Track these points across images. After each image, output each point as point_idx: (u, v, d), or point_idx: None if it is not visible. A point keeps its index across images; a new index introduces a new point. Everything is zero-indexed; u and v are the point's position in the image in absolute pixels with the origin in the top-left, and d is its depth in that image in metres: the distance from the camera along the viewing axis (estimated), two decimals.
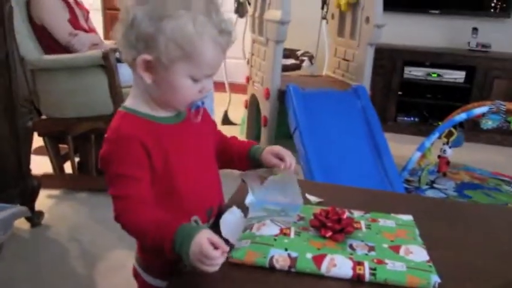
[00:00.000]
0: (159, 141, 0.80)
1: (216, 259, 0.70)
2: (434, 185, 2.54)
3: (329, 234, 0.84)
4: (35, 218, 1.98)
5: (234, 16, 3.33)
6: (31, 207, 1.96)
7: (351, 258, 0.78)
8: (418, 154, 2.43)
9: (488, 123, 2.37)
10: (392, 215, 0.97)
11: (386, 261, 0.78)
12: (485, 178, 2.72)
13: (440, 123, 2.51)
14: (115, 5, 4.48)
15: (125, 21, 0.75)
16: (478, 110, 2.37)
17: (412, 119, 3.72)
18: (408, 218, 0.96)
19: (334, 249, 0.81)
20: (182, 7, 0.73)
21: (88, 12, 2.59)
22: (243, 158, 0.96)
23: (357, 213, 0.96)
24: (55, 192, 2.32)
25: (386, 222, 0.93)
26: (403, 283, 0.74)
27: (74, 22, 2.35)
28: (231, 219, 0.89)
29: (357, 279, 0.75)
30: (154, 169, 0.79)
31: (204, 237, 0.70)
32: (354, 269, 0.76)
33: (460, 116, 2.40)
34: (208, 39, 0.74)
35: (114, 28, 0.78)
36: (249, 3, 3.07)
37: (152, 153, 0.78)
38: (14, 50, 1.79)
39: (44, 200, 2.20)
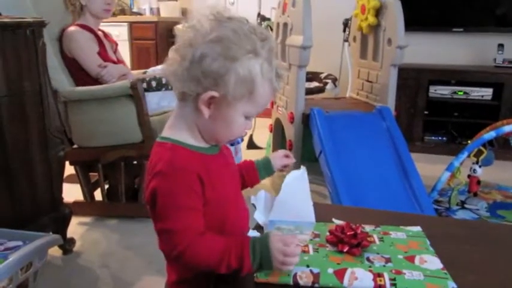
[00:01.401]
0: (208, 171, 0.82)
1: (295, 253, 0.78)
2: (465, 206, 2.49)
3: (346, 249, 0.87)
4: (66, 246, 2.02)
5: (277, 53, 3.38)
6: (63, 234, 2.00)
7: (370, 271, 0.81)
8: (448, 174, 2.39)
9: None
10: (401, 227, 1.01)
11: (404, 271, 0.82)
12: None
13: (469, 141, 2.46)
14: (141, 36, 4.61)
15: (190, 55, 0.77)
16: (508, 128, 2.33)
17: (439, 138, 3.67)
18: (417, 229, 1.00)
19: (353, 263, 0.84)
20: (251, 51, 0.78)
21: (117, 45, 2.68)
22: (251, 171, 1.03)
23: (368, 228, 0.99)
24: (86, 219, 2.37)
25: (397, 234, 0.97)
26: None
27: (103, 54, 2.44)
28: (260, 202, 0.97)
29: None
30: (206, 199, 0.82)
31: (276, 239, 0.78)
32: (374, 280, 0.79)
33: (489, 134, 2.36)
34: (268, 82, 0.81)
35: (168, 59, 0.81)
36: (272, 29, 3.12)
37: (205, 184, 0.81)
38: (47, 83, 1.86)
39: (75, 227, 2.25)
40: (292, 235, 0.88)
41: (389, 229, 1.00)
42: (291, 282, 0.79)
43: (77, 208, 2.34)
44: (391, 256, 0.87)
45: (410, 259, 0.86)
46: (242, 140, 0.95)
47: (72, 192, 2.47)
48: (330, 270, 0.81)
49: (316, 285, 0.79)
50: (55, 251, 2.00)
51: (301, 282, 0.79)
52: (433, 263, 0.86)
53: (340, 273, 0.80)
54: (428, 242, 0.94)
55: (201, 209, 0.81)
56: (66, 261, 1.98)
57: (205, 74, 0.77)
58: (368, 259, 0.86)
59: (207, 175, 0.81)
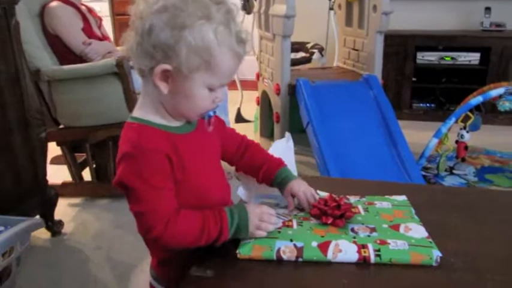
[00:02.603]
0: (178, 152, 0.79)
1: (271, 220, 0.83)
2: (454, 171, 2.51)
3: (330, 220, 0.86)
4: (54, 228, 2.01)
5: (241, 13, 3.32)
6: (50, 216, 2.00)
7: (354, 242, 0.80)
8: (435, 140, 2.40)
9: (505, 105, 2.32)
10: (386, 196, 1.00)
11: (389, 241, 0.81)
12: (506, 161, 2.66)
13: (457, 107, 2.46)
14: (124, 11, 4.51)
15: (140, 29, 0.74)
16: (494, 92, 2.33)
17: (428, 105, 3.67)
18: (402, 198, 0.99)
19: (337, 235, 0.83)
20: (203, 17, 0.72)
21: (101, 20, 2.62)
22: (269, 176, 0.96)
23: (353, 199, 0.99)
24: (75, 200, 2.36)
25: (382, 204, 0.96)
26: (408, 261, 0.77)
27: (88, 30, 2.38)
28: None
29: (363, 261, 0.77)
30: (178, 180, 0.80)
31: (253, 205, 0.84)
32: (359, 252, 0.78)
33: (476, 99, 2.36)
34: (227, 49, 0.74)
35: (124, 35, 0.77)
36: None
37: (174, 164, 0.78)
38: (23, 63, 1.82)
39: (64, 208, 2.24)
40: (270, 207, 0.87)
41: (374, 199, 0.99)
42: (274, 257, 0.79)
43: (65, 189, 2.34)
44: (375, 226, 0.86)
45: (395, 228, 0.86)
46: (214, 112, 0.88)
47: (60, 174, 2.46)
48: (314, 244, 0.80)
49: (300, 259, 0.78)
50: (43, 234, 2.00)
51: (284, 257, 0.78)
52: (418, 231, 0.85)
53: (324, 246, 0.79)
54: (413, 211, 0.93)
55: (173, 188, 0.79)
56: (55, 244, 1.98)
57: (155, 47, 0.73)
58: (353, 230, 0.85)
59: (177, 156, 0.79)
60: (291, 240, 0.81)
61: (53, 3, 2.27)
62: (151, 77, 0.75)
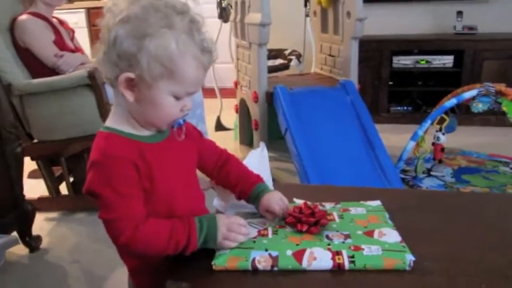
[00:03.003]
0: (144, 160, 0.79)
1: (240, 230, 0.83)
2: (432, 173, 2.54)
3: (305, 228, 0.87)
4: (32, 243, 1.97)
5: (218, 21, 3.33)
6: (28, 232, 1.96)
7: (329, 249, 0.81)
8: (412, 143, 2.43)
9: (479, 107, 2.36)
10: (361, 202, 1.01)
11: (363, 246, 0.82)
12: (482, 161, 2.71)
13: (434, 109, 2.50)
14: None
15: (106, 40, 0.75)
16: (468, 94, 2.37)
17: (405, 108, 3.71)
18: (377, 203, 1.01)
19: (312, 242, 0.83)
20: (164, 26, 0.74)
21: (73, 32, 2.59)
22: (245, 193, 0.96)
23: (328, 205, 0.99)
24: (53, 214, 2.32)
25: (357, 210, 0.98)
26: (381, 266, 0.78)
27: (60, 43, 2.35)
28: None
29: (338, 268, 0.78)
30: (146, 190, 0.80)
31: (223, 216, 0.85)
32: (333, 259, 0.79)
33: (450, 102, 2.40)
34: (190, 57, 0.76)
35: (94, 47, 0.79)
36: (231, 7, 3.06)
37: (142, 174, 0.79)
38: None
39: (42, 223, 2.20)
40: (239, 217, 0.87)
41: (349, 205, 1.00)
42: (250, 268, 0.78)
43: (42, 204, 2.30)
44: (350, 232, 0.87)
45: (369, 234, 0.87)
46: (184, 121, 0.88)
47: (37, 188, 2.42)
48: (289, 252, 0.81)
49: (275, 268, 0.78)
50: (21, 250, 1.96)
51: (260, 267, 0.78)
52: (392, 236, 0.86)
53: (298, 255, 0.80)
54: (387, 216, 0.94)
55: (141, 195, 0.79)
56: (34, 260, 1.94)
57: (120, 56, 0.75)
58: (327, 237, 0.85)
59: (144, 164, 0.79)
60: (266, 250, 0.82)
61: (23, 17, 2.24)
62: (117, 86, 0.77)
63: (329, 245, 0.83)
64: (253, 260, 0.79)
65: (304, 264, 0.78)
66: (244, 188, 0.96)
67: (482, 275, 0.77)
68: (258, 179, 0.97)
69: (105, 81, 0.81)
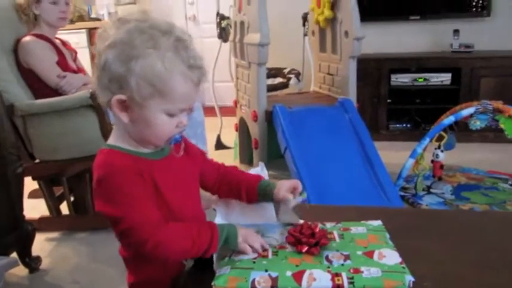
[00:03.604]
0: (147, 173, 0.82)
1: (259, 241, 0.87)
2: (431, 190, 2.54)
3: (305, 249, 0.87)
4: (32, 264, 1.96)
5: (218, 41, 3.37)
6: (28, 252, 1.95)
7: (328, 271, 0.81)
8: (412, 161, 2.44)
9: (476, 124, 2.38)
10: (362, 222, 1.01)
11: (362, 269, 0.82)
12: (481, 178, 2.72)
13: (432, 126, 2.52)
14: None
15: (98, 64, 0.79)
16: (466, 112, 2.39)
17: (404, 125, 3.73)
18: (378, 223, 1.00)
19: (312, 264, 0.83)
20: (150, 47, 0.76)
21: (76, 53, 2.62)
22: (252, 192, 0.99)
23: (329, 225, 0.99)
24: (53, 235, 2.32)
25: (358, 229, 0.97)
26: (381, 287, 0.78)
27: (63, 64, 2.37)
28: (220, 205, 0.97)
29: None
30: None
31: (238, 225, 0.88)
32: (332, 280, 0.79)
33: (449, 119, 2.42)
34: (177, 74, 0.77)
35: (93, 71, 0.84)
36: (231, 28, 3.11)
37: (146, 181, 0.81)
38: None
39: (42, 243, 2.20)
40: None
41: (350, 225, 0.99)
42: None
43: (43, 224, 2.30)
44: (350, 253, 0.87)
45: (369, 254, 0.87)
46: (181, 137, 0.91)
47: (37, 208, 2.42)
48: (288, 273, 0.81)
49: None
50: (20, 271, 1.95)
51: (259, 287, 0.79)
52: (392, 257, 0.86)
53: (298, 276, 0.80)
54: (387, 236, 0.94)
55: (153, 200, 0.81)
56: (33, 280, 1.93)
57: (110, 80, 0.78)
58: (327, 258, 0.86)
59: (148, 177, 0.82)
60: (266, 270, 0.82)
61: (27, 38, 2.27)
62: (111, 109, 0.80)
63: (329, 267, 0.83)
64: (253, 280, 0.79)
65: (304, 285, 0.78)
66: (249, 188, 0.98)
67: None
68: (260, 177, 1.01)
69: (102, 104, 0.84)
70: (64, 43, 2.53)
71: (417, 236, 0.99)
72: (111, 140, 0.85)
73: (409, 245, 0.91)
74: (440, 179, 2.61)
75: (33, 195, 2.58)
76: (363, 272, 0.81)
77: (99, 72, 0.79)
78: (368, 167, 2.23)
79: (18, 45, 2.27)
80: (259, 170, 1.11)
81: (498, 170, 2.80)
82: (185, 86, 0.79)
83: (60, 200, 2.42)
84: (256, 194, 0.98)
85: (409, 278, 0.79)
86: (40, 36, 2.31)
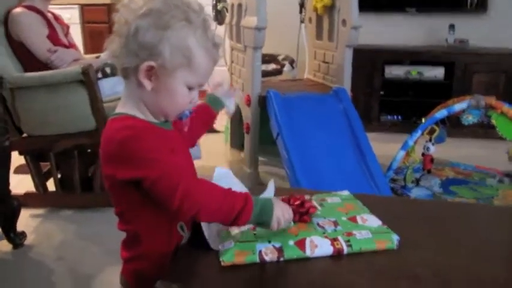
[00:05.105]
0: (167, 141, 0.85)
1: (291, 212, 0.86)
2: (420, 183, 2.56)
3: (297, 218, 0.91)
4: (16, 240, 1.94)
5: (213, 24, 3.32)
6: (12, 228, 1.93)
7: (326, 237, 0.86)
8: (402, 153, 2.45)
9: (469, 119, 2.39)
10: (333, 192, 1.09)
11: (354, 232, 0.88)
12: (469, 173, 2.74)
13: (423, 120, 2.52)
14: (94, 19, 4.45)
15: (125, 31, 0.80)
16: (458, 106, 2.39)
17: (395, 117, 3.75)
18: (347, 193, 1.09)
19: (308, 232, 0.88)
20: (183, 20, 0.81)
21: (68, 27, 2.57)
22: (207, 110, 1.10)
23: (306, 197, 1.02)
24: (39, 211, 2.29)
25: (333, 199, 1.05)
26: (374, 248, 0.86)
27: (54, 38, 2.33)
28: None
29: (337, 253, 0.84)
30: None
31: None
32: (332, 245, 0.84)
33: (441, 113, 2.42)
34: (204, 50, 0.83)
35: (108, 40, 0.84)
36: (227, 11, 3.07)
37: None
38: None
39: (27, 219, 2.17)
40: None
41: (323, 196, 1.06)
42: (258, 260, 0.80)
43: (29, 200, 2.27)
44: (336, 219, 0.93)
45: (353, 219, 0.94)
46: (190, 113, 0.95)
47: (23, 184, 2.39)
48: (291, 242, 0.84)
49: (282, 258, 0.81)
50: (4, 246, 1.93)
51: (267, 259, 0.81)
52: (373, 220, 0.94)
53: (300, 244, 0.84)
54: (360, 203, 1.02)
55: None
56: (17, 256, 1.91)
57: (140, 46, 0.80)
58: (319, 225, 0.90)
59: (167, 140, 0.85)
60: (269, 242, 0.84)
61: (17, 10, 2.22)
62: (137, 75, 0.81)
63: (324, 233, 0.88)
64: (260, 252, 0.81)
65: (308, 252, 0.83)
66: (200, 110, 1.06)
67: (473, 284, 0.78)
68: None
69: (119, 73, 0.86)
70: (56, 17, 2.48)
71: (409, 224, 0.99)
72: (122, 109, 0.86)
73: (401, 232, 0.91)
74: (429, 172, 2.62)
75: (19, 170, 2.54)
76: (355, 234, 0.87)
77: (125, 39, 0.80)
78: (359, 157, 2.22)
79: (9, 17, 2.21)
80: (224, 173, 1.07)
81: (486, 166, 2.83)
82: (209, 62, 0.85)
83: (46, 176, 2.38)
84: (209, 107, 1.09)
85: (396, 238, 0.87)
86: (31, 8, 2.26)
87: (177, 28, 0.80)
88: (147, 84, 0.82)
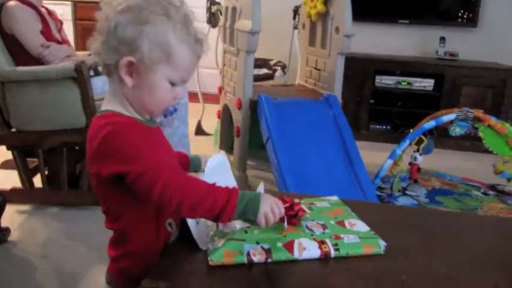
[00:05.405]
0: (151, 138, 0.86)
1: (282, 207, 0.84)
2: (407, 192, 2.58)
3: (286, 220, 0.89)
4: (0, 235, 1.92)
5: (206, 26, 3.33)
6: None
7: (314, 239, 0.87)
8: (390, 162, 2.47)
9: (456, 130, 2.42)
10: (322, 197, 1.10)
11: (342, 235, 0.90)
12: (455, 184, 2.77)
13: (411, 130, 2.55)
14: (87, 16, 4.43)
15: (106, 28, 0.81)
16: (447, 118, 2.43)
17: (384, 127, 3.78)
18: (335, 198, 1.11)
19: (297, 234, 0.89)
20: (163, 14, 0.81)
21: (62, 23, 2.56)
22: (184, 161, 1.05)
23: (295, 200, 1.03)
24: (24, 207, 2.26)
25: (321, 203, 1.06)
26: (361, 252, 0.87)
27: (47, 33, 2.31)
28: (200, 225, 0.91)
29: (325, 256, 0.85)
30: None
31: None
32: (320, 248, 0.85)
33: (429, 124, 2.45)
34: (186, 44, 0.83)
35: (91, 38, 0.84)
36: (221, 13, 3.08)
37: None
38: None
39: (12, 215, 2.15)
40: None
41: (312, 200, 1.08)
42: (246, 261, 0.81)
43: (14, 196, 2.25)
44: (325, 222, 0.94)
45: (341, 224, 0.95)
46: (175, 110, 0.96)
47: (9, 179, 2.36)
48: (279, 244, 0.85)
49: (270, 260, 0.82)
50: None
51: (255, 260, 0.81)
52: (361, 225, 0.95)
53: (289, 246, 0.85)
54: (349, 209, 1.03)
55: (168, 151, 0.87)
56: (0, 252, 1.88)
57: (120, 42, 0.80)
58: (307, 227, 0.92)
59: (151, 137, 0.86)
60: (257, 243, 0.85)
61: (11, 3, 2.20)
62: (117, 72, 0.82)
63: (312, 235, 0.89)
64: (248, 253, 0.82)
65: (296, 254, 0.83)
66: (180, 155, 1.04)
67: None
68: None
69: (102, 71, 0.87)
70: (50, 12, 2.47)
71: (395, 231, 1.00)
72: (107, 106, 0.86)
73: (387, 239, 0.92)
74: (416, 181, 2.65)
75: (4, 165, 2.52)
76: (343, 238, 0.89)
77: (105, 36, 0.81)
78: (347, 164, 2.24)
79: (2, 9, 2.20)
80: (220, 159, 1.05)
81: (471, 177, 2.86)
82: (190, 57, 0.84)
83: (33, 172, 2.36)
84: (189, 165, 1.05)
85: (383, 243, 0.88)
86: (25, 2, 2.25)
87: (156, 23, 0.80)
88: (128, 81, 0.82)
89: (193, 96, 3.50)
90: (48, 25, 2.35)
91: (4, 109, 2.15)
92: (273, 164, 2.19)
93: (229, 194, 0.79)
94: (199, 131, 3.52)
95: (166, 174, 0.77)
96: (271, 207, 0.81)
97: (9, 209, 2.05)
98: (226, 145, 2.94)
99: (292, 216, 0.91)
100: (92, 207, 2.16)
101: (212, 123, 3.30)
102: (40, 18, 2.31)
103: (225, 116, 2.87)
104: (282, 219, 0.89)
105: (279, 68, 3.53)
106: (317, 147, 2.26)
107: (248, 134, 2.49)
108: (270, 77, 3.46)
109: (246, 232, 0.88)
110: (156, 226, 0.88)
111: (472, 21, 3.76)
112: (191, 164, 1.05)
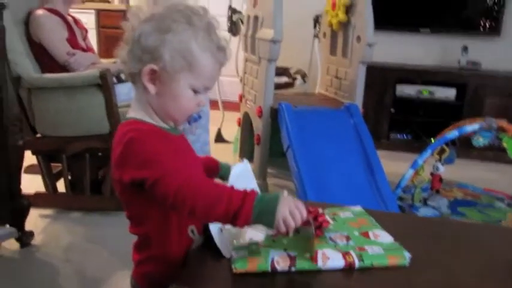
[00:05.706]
0: (172, 145, 0.86)
1: (303, 211, 0.79)
2: (428, 203, 2.54)
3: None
4: (24, 239, 1.94)
5: (227, 35, 3.36)
6: (21, 227, 1.94)
7: (338, 250, 0.86)
8: (411, 171, 2.44)
9: (479, 141, 2.38)
10: (346, 207, 1.09)
11: (366, 247, 0.88)
12: (478, 195, 2.72)
13: (432, 140, 2.52)
14: (110, 24, 4.51)
15: (131, 38, 0.83)
16: (470, 128, 2.39)
17: (405, 136, 3.74)
18: (359, 208, 1.09)
19: (321, 245, 0.87)
20: (185, 23, 0.82)
21: (87, 31, 2.61)
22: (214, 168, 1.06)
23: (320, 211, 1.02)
24: (48, 211, 2.30)
25: (345, 214, 1.05)
26: (386, 264, 0.86)
27: (73, 41, 2.36)
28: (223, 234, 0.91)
29: (349, 267, 0.84)
30: None
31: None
32: (344, 258, 0.84)
33: (452, 133, 2.42)
34: (208, 53, 0.83)
35: (119, 48, 0.86)
36: (242, 22, 3.10)
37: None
38: (6, 69, 1.79)
39: (36, 219, 2.18)
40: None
41: (335, 210, 1.07)
42: (269, 269, 0.81)
43: (38, 200, 2.28)
44: (348, 233, 0.93)
45: (365, 235, 0.94)
46: (199, 117, 0.97)
47: (33, 183, 2.40)
48: (307, 254, 0.84)
49: (293, 268, 0.82)
50: (12, 245, 1.93)
51: (278, 268, 0.81)
52: (385, 236, 0.93)
53: (313, 256, 0.84)
54: (373, 219, 1.01)
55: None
56: (24, 255, 1.91)
57: (143, 51, 0.82)
58: (331, 239, 0.90)
59: (172, 145, 0.86)
60: (285, 250, 0.85)
61: (39, 11, 2.26)
62: (141, 79, 0.83)
63: (336, 246, 0.88)
64: (272, 260, 0.82)
65: (320, 264, 0.82)
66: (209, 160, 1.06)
67: None
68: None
69: (127, 79, 0.88)
70: (76, 21, 2.52)
71: (418, 242, 0.99)
72: (132, 114, 0.88)
73: (409, 250, 0.91)
74: (437, 192, 2.61)
75: (29, 170, 2.57)
76: (367, 250, 0.87)
77: (130, 45, 0.83)
78: (368, 173, 2.23)
79: (30, 18, 2.25)
80: (243, 166, 1.04)
81: (494, 188, 2.81)
82: (213, 65, 0.85)
83: (57, 177, 2.40)
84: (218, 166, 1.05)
85: (408, 254, 0.87)
86: (52, 11, 2.30)
87: (178, 31, 0.81)
88: (151, 89, 0.84)
89: (213, 104, 3.53)
90: (74, 33, 2.40)
91: (30, 115, 2.19)
92: (293, 172, 2.19)
93: (244, 198, 0.76)
94: (219, 138, 3.54)
95: (181, 179, 0.78)
96: (290, 210, 0.77)
97: (33, 213, 2.08)
98: (247, 153, 2.95)
99: (317, 228, 0.89)
100: (114, 212, 2.18)
101: (232, 131, 3.32)
102: (66, 27, 2.36)
103: (246, 124, 2.89)
104: (306, 223, 0.87)
105: (299, 76, 3.54)
106: (338, 156, 2.25)
107: (269, 142, 2.50)
108: (290, 85, 3.47)
109: (274, 241, 0.87)
110: (178, 232, 0.89)
111: (495, 30, 3.72)
112: (220, 170, 1.05)
